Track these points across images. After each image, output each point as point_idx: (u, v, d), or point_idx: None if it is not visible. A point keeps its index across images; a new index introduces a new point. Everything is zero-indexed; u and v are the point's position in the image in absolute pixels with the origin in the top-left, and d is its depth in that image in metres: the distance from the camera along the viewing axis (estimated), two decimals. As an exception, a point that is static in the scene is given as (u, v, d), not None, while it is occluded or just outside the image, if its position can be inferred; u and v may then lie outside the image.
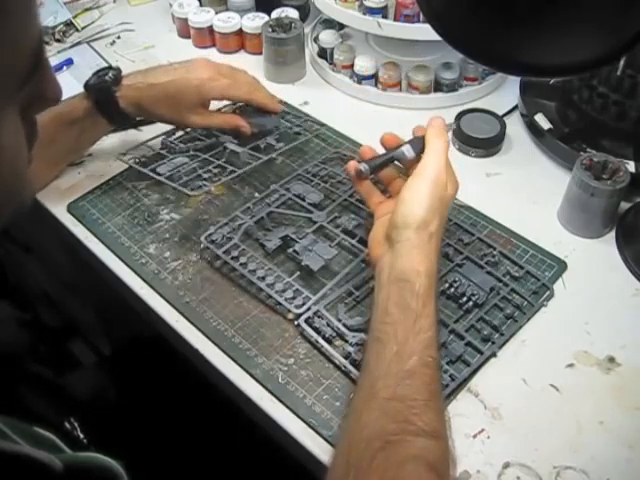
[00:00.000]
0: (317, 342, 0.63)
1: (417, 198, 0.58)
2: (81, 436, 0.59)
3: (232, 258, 0.71)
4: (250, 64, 1.03)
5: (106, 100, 0.76)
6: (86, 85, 0.77)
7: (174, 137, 0.84)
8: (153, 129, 0.87)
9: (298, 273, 0.70)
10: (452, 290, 0.67)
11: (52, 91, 0.40)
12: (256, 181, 0.81)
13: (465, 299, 0.67)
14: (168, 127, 0.86)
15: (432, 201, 0.57)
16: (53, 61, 1.04)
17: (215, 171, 0.76)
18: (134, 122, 0.82)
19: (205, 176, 0.75)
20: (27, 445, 0.38)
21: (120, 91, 0.76)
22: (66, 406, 0.63)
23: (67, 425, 0.59)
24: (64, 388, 0.69)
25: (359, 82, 0.96)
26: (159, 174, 0.76)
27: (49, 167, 0.81)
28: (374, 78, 0.95)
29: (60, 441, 0.43)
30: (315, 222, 0.74)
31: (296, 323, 0.65)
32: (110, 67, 0.79)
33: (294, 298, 0.67)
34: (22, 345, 0.77)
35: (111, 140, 0.88)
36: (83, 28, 1.13)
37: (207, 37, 1.07)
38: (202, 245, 0.73)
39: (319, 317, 0.65)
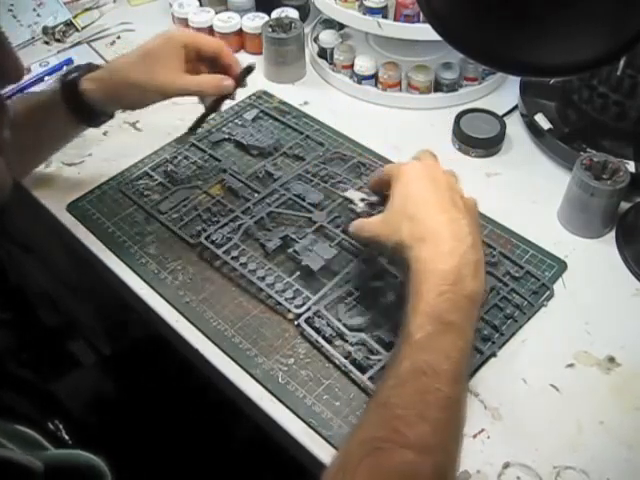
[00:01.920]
0: (317, 342, 0.64)
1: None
2: (66, 437, 0.58)
3: (232, 258, 0.71)
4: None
5: (69, 81, 0.72)
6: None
7: (175, 163, 0.84)
8: (154, 135, 0.87)
9: (298, 273, 0.70)
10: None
11: (12, 65, 0.39)
12: (256, 180, 0.81)
13: (465, 299, 0.67)
14: (166, 145, 0.86)
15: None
16: (53, 61, 1.04)
17: (214, 210, 0.77)
18: (98, 111, 0.75)
19: (204, 216, 0.77)
20: (9, 444, 0.38)
21: (86, 75, 0.72)
22: (51, 408, 0.63)
23: (51, 426, 0.58)
24: (51, 391, 0.69)
25: (359, 82, 0.96)
26: (161, 212, 0.77)
27: (17, 160, 0.78)
28: (374, 78, 0.95)
29: (43, 439, 0.43)
30: (315, 222, 0.74)
31: (296, 323, 0.66)
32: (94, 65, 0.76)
33: (294, 298, 0.67)
34: (2, 346, 0.77)
35: (112, 141, 0.89)
36: (83, 28, 1.13)
37: (207, 37, 1.07)
38: (202, 245, 0.73)
39: (319, 317, 0.65)
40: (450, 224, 0.53)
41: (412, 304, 0.51)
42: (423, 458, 0.45)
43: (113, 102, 0.74)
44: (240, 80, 0.73)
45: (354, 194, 0.69)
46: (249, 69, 0.72)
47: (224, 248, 0.72)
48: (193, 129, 0.77)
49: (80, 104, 0.72)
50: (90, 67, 0.74)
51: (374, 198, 0.67)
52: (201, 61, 0.73)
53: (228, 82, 0.71)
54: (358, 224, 0.62)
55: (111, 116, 0.78)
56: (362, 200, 0.67)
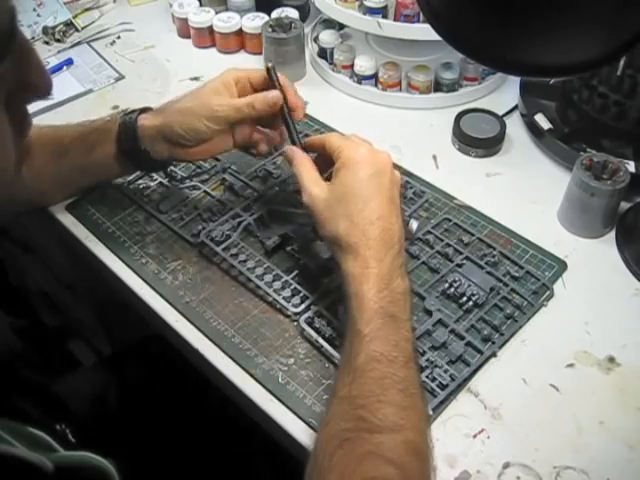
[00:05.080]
0: (317, 342, 0.63)
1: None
2: (73, 441, 0.59)
3: (231, 255, 0.71)
4: (250, 64, 1.04)
5: (130, 115, 0.71)
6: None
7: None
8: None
9: (296, 271, 0.70)
10: (452, 290, 0.67)
11: (38, 79, 0.39)
12: (256, 179, 0.81)
13: (465, 299, 0.67)
14: None
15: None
16: (53, 61, 1.04)
17: (214, 209, 0.77)
18: (149, 158, 0.71)
19: (205, 216, 0.77)
20: (20, 445, 0.38)
21: (143, 115, 0.71)
22: (58, 412, 0.63)
23: (58, 428, 0.59)
24: (57, 394, 0.69)
25: (359, 82, 0.96)
26: (161, 211, 0.77)
27: (61, 183, 0.77)
28: (374, 78, 0.95)
29: (53, 440, 0.43)
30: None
31: (296, 323, 0.66)
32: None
33: (292, 296, 0.67)
34: (15, 351, 0.77)
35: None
36: (83, 28, 1.13)
37: (207, 37, 1.07)
38: (201, 242, 0.73)
39: (319, 317, 0.65)
40: (383, 232, 0.56)
41: (356, 303, 0.54)
42: (393, 437, 0.48)
43: (164, 137, 0.68)
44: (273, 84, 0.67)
45: None
46: (267, 69, 0.68)
47: (223, 245, 0.72)
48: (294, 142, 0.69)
49: (130, 135, 0.69)
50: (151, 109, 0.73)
51: None
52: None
53: (275, 92, 0.67)
54: (305, 167, 0.62)
55: (163, 165, 0.76)
56: None
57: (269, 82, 0.68)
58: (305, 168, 0.62)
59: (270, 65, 0.67)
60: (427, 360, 0.62)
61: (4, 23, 0.34)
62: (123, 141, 0.70)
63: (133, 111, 0.72)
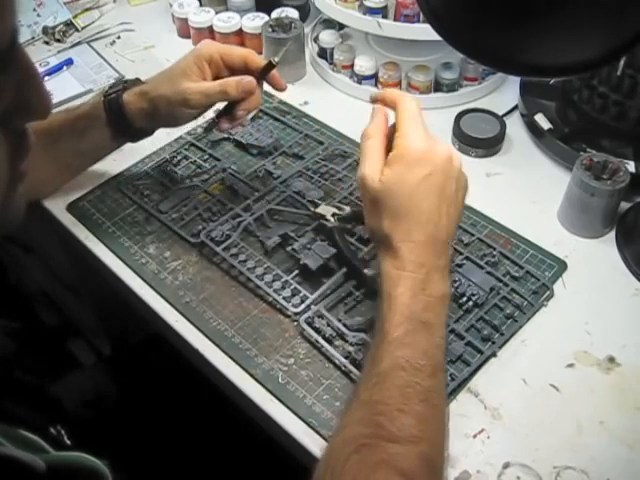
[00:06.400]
0: (317, 342, 0.64)
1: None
2: (67, 442, 0.58)
3: (231, 255, 0.71)
4: (250, 64, 1.04)
5: (113, 96, 0.73)
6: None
7: (175, 162, 0.84)
8: (154, 135, 0.87)
9: (296, 271, 0.70)
10: (452, 290, 0.67)
11: (38, 102, 0.37)
12: (256, 179, 0.81)
13: (465, 299, 0.67)
14: (166, 145, 0.85)
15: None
16: (53, 61, 1.04)
17: (214, 209, 0.77)
18: (136, 128, 0.75)
19: (205, 216, 0.77)
20: (10, 446, 0.38)
21: (128, 89, 0.73)
22: (53, 413, 0.63)
23: (52, 431, 0.59)
24: (53, 395, 0.69)
25: (359, 82, 0.96)
26: (161, 211, 0.77)
27: (55, 170, 0.78)
28: (374, 78, 0.95)
29: (45, 443, 0.43)
30: (315, 219, 0.74)
31: (296, 323, 0.66)
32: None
33: (292, 296, 0.67)
34: (8, 354, 0.77)
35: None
36: (83, 28, 1.13)
37: (207, 37, 1.07)
38: (201, 242, 0.73)
39: (319, 317, 0.65)
40: (429, 236, 0.54)
41: (387, 305, 0.53)
42: (408, 448, 0.47)
43: (149, 117, 0.72)
44: (261, 76, 0.70)
45: (325, 209, 0.71)
46: (270, 65, 0.70)
47: (223, 245, 0.72)
48: (208, 129, 0.76)
49: (120, 117, 0.72)
50: (134, 82, 0.74)
51: (346, 211, 0.70)
52: (233, 74, 0.71)
53: (248, 79, 0.68)
54: (372, 148, 0.60)
55: (150, 133, 0.78)
56: (334, 215, 0.70)
57: (259, 73, 0.70)
58: (372, 149, 0.59)
59: (275, 62, 0.69)
60: (427, 360, 0.62)
61: (5, 42, 0.33)
62: (114, 124, 0.73)
63: (115, 90, 0.73)
